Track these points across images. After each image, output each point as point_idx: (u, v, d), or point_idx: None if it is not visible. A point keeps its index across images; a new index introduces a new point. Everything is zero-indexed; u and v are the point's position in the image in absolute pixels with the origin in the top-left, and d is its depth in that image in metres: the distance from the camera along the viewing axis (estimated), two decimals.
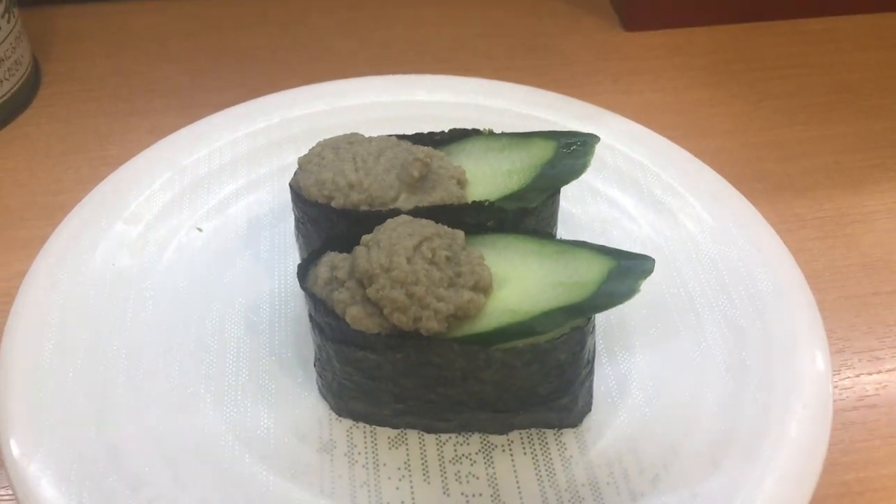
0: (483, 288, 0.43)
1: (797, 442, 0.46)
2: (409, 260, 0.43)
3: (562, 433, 0.47)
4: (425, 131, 0.54)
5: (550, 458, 0.46)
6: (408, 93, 0.67)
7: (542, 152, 0.51)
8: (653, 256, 0.44)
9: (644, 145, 0.64)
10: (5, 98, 0.71)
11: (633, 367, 0.50)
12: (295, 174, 0.52)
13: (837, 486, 0.49)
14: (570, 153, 0.51)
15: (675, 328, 0.52)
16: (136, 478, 0.44)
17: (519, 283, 0.44)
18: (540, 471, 0.46)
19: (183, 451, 0.45)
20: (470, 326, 0.43)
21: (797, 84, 0.79)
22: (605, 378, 0.50)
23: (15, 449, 0.44)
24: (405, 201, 0.49)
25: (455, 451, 0.47)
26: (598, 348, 0.51)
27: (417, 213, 0.47)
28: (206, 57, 0.81)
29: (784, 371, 0.49)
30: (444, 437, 0.47)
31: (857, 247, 0.64)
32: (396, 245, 0.43)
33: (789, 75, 0.80)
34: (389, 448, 0.47)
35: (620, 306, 0.43)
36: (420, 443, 0.47)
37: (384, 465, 0.46)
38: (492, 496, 0.45)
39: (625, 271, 0.43)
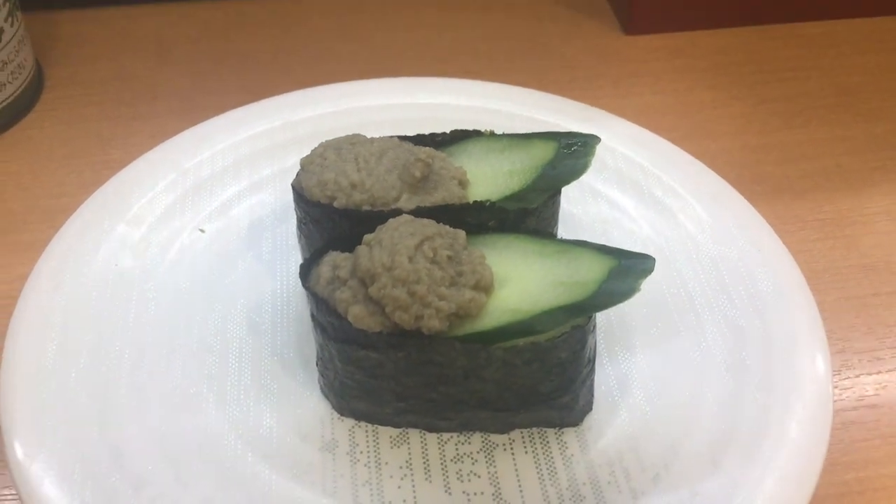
0: (484, 287, 0.44)
1: (797, 442, 0.46)
2: (410, 259, 0.43)
3: (563, 432, 0.48)
4: (427, 133, 0.54)
5: (552, 457, 0.46)
6: (409, 95, 0.67)
7: (542, 153, 0.52)
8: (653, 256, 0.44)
9: (645, 147, 0.64)
10: (8, 101, 0.72)
11: (634, 366, 0.51)
12: (297, 175, 0.52)
13: (837, 486, 0.50)
14: (570, 154, 0.51)
15: (675, 328, 0.52)
16: (139, 477, 0.44)
17: (520, 282, 0.45)
18: (541, 469, 0.46)
19: (185, 451, 0.46)
20: (471, 325, 0.43)
21: (797, 87, 0.80)
22: (605, 377, 0.50)
23: (18, 449, 0.44)
24: (407, 201, 0.49)
25: (456, 449, 0.47)
26: (599, 348, 0.51)
27: (419, 213, 0.47)
28: (208, 61, 0.81)
29: (784, 371, 0.49)
30: (445, 436, 0.47)
31: (857, 248, 0.64)
32: (398, 244, 0.43)
33: (789, 78, 0.81)
34: (391, 447, 0.47)
35: (621, 306, 0.43)
36: (422, 442, 0.47)
37: (386, 463, 0.46)
38: (493, 495, 0.45)
39: (625, 270, 0.43)
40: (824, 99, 0.78)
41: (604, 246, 0.46)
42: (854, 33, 0.86)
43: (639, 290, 0.42)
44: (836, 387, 0.54)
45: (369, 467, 0.46)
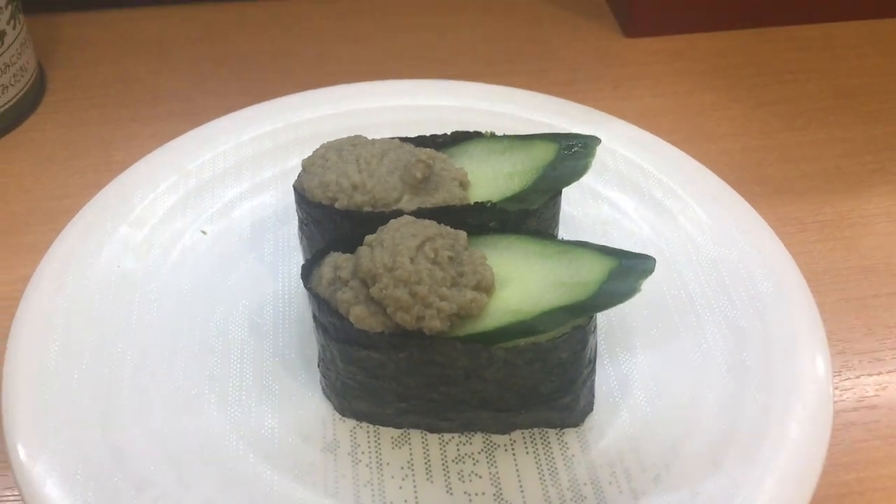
0: (485, 287, 0.44)
1: (798, 442, 0.46)
2: (412, 259, 0.43)
3: (564, 433, 0.48)
4: (427, 134, 0.54)
5: (553, 458, 0.47)
6: (410, 97, 0.68)
7: (543, 154, 0.52)
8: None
9: (645, 149, 0.64)
10: (11, 104, 0.72)
11: (635, 367, 0.51)
12: (299, 176, 0.52)
13: (838, 487, 0.50)
14: (571, 155, 0.51)
15: (675, 329, 0.53)
16: (141, 478, 0.44)
17: (521, 282, 0.45)
18: (542, 470, 0.46)
19: (187, 452, 0.46)
20: (472, 326, 0.43)
21: (796, 89, 0.80)
22: (606, 378, 0.50)
23: (21, 450, 0.44)
24: (408, 202, 0.49)
25: (458, 450, 0.47)
26: (600, 349, 0.51)
27: (420, 214, 0.47)
28: (209, 63, 0.81)
29: (784, 372, 0.49)
30: (446, 436, 0.48)
31: (857, 250, 0.64)
32: (400, 245, 0.43)
33: (789, 80, 0.81)
34: (392, 447, 0.47)
35: (621, 307, 0.44)
36: (423, 442, 0.47)
37: (387, 464, 0.46)
38: (494, 495, 0.45)
39: (626, 271, 0.44)
40: (824, 101, 0.78)
41: (604, 247, 0.46)
42: (853, 36, 0.86)
43: (639, 290, 0.42)
44: (836, 388, 0.54)
45: (371, 468, 0.46)
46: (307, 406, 0.49)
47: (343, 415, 0.48)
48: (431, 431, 0.48)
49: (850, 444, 0.52)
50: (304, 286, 0.46)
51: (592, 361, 0.47)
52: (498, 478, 0.46)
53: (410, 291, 0.42)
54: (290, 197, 0.53)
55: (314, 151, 0.52)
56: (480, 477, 0.46)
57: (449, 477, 0.46)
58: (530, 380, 0.44)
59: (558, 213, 0.53)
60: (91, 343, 0.50)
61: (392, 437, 0.47)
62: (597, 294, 0.43)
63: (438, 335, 0.43)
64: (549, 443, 0.47)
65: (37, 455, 0.44)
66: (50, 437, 0.45)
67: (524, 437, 0.48)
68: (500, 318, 0.43)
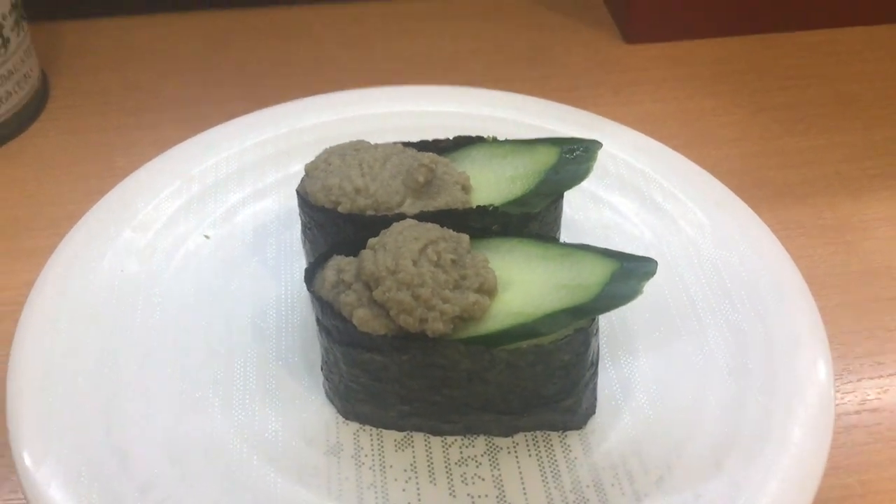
0: (488, 290, 0.44)
1: (799, 445, 0.46)
2: (414, 262, 0.43)
3: (566, 435, 0.48)
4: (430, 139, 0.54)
5: (555, 460, 0.47)
6: (412, 103, 0.68)
7: (545, 158, 0.52)
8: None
9: (646, 154, 0.64)
10: (14, 110, 0.72)
11: (637, 370, 0.51)
12: (302, 180, 0.52)
13: (839, 489, 0.50)
14: (572, 159, 0.52)
15: (677, 332, 0.53)
16: (145, 481, 0.44)
17: (523, 285, 0.45)
18: (545, 472, 0.46)
19: (191, 455, 0.46)
20: (475, 328, 0.43)
21: (797, 94, 0.80)
22: (608, 381, 0.50)
23: (25, 454, 0.44)
24: (410, 206, 0.49)
25: (461, 453, 0.47)
26: (602, 352, 0.51)
27: (423, 217, 0.47)
28: (211, 70, 0.82)
29: (786, 375, 0.49)
30: (449, 439, 0.48)
31: (858, 254, 0.64)
32: (402, 248, 0.44)
33: (789, 86, 0.81)
34: (396, 450, 0.47)
35: (623, 310, 0.44)
36: (426, 445, 0.47)
37: (391, 467, 0.46)
38: (497, 497, 0.45)
39: (628, 273, 0.44)
40: (824, 106, 0.79)
41: (606, 249, 0.46)
42: (853, 41, 0.87)
43: (641, 292, 0.42)
44: (837, 391, 0.55)
45: (374, 470, 0.46)
46: (311, 409, 0.49)
47: (346, 418, 0.48)
48: (434, 434, 0.48)
49: (851, 446, 0.52)
50: (308, 289, 0.46)
51: (595, 364, 0.47)
52: (501, 480, 0.46)
53: (413, 294, 0.42)
54: (293, 201, 0.53)
55: (317, 156, 0.53)
56: (483, 479, 0.46)
57: (452, 479, 0.46)
58: (533, 382, 0.44)
59: (560, 217, 0.53)
60: (95, 347, 0.50)
61: (395, 440, 0.48)
62: (599, 296, 0.43)
63: (441, 338, 0.43)
64: (551, 445, 0.47)
65: (41, 458, 0.44)
66: (54, 440, 0.45)
67: (527, 440, 0.48)
68: (502, 320, 0.43)
